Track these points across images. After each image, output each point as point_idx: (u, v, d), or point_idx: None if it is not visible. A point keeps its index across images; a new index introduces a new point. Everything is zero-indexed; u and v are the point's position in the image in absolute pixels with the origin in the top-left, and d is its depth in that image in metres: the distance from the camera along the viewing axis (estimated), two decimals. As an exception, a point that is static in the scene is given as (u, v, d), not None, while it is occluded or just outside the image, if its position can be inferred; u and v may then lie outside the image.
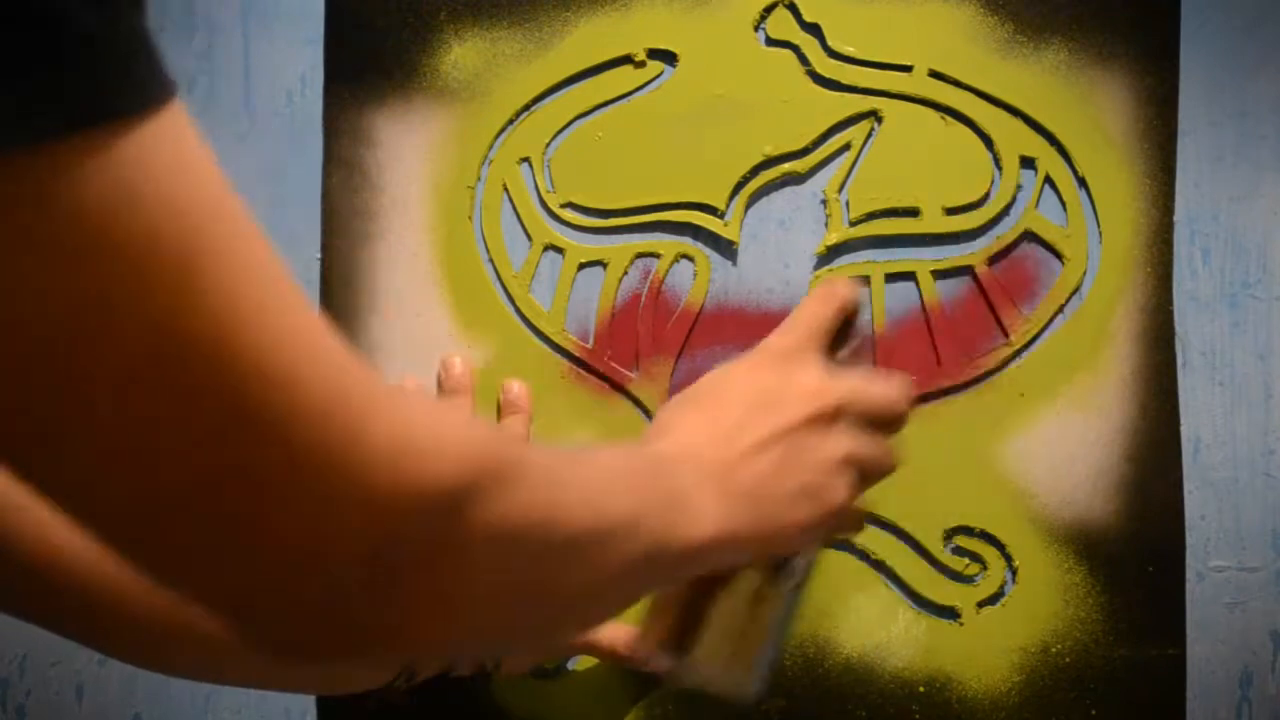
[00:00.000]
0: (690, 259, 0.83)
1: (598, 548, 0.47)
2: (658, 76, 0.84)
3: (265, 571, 0.37)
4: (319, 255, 0.83)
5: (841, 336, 0.65)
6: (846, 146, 0.84)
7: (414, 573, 0.40)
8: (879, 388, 0.63)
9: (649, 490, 0.52)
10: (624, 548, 0.49)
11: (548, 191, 0.83)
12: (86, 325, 0.32)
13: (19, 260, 0.31)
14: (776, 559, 0.63)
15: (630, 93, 0.84)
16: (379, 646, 0.42)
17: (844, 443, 0.60)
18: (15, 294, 0.31)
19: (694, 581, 0.60)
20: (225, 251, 0.34)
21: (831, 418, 0.60)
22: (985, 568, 0.82)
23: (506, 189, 0.83)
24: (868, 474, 0.61)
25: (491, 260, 0.83)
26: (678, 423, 0.59)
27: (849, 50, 0.84)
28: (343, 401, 0.36)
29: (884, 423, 0.63)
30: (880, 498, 0.82)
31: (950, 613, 0.82)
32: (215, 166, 0.35)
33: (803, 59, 0.84)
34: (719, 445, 0.57)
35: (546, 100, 0.83)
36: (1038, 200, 0.83)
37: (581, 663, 0.81)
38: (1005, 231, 0.83)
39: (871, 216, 0.83)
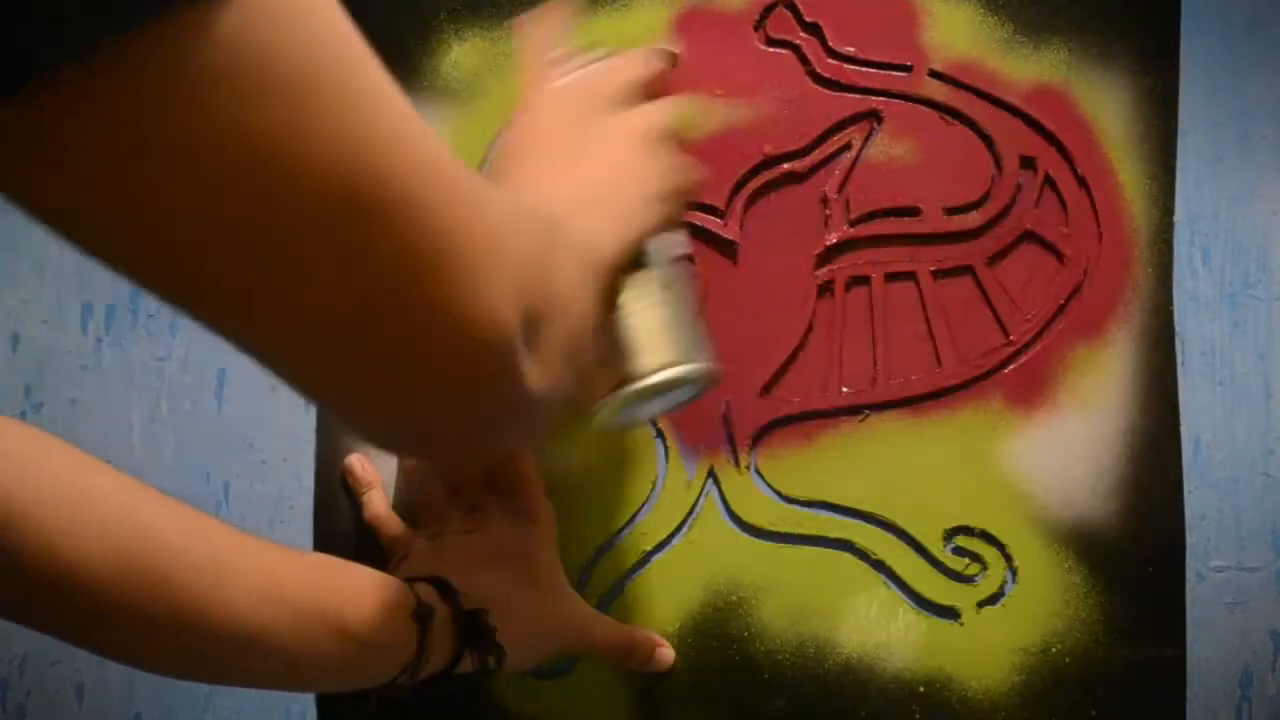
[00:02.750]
0: (690, 259, 0.83)
1: (595, 273, 0.55)
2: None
3: (446, 354, 0.41)
4: (319, 255, 0.83)
5: (569, 57, 0.69)
6: (847, 146, 0.84)
7: (544, 325, 0.46)
8: (627, 63, 0.68)
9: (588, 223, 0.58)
10: (602, 274, 0.56)
11: (548, 191, 0.83)
12: (267, 161, 0.34)
13: (197, 110, 0.33)
14: (649, 249, 0.66)
15: (630, 93, 0.83)
16: (537, 407, 0.47)
17: (638, 118, 0.65)
18: (197, 145, 0.33)
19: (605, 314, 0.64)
20: (367, 76, 0.37)
21: (607, 105, 0.65)
22: (985, 568, 0.82)
23: (506, 189, 0.83)
24: (664, 132, 0.66)
25: (491, 260, 0.83)
26: (526, 180, 0.63)
27: (849, 50, 0.84)
28: (470, 185, 0.41)
29: (649, 91, 0.68)
30: (880, 498, 0.82)
31: (950, 613, 0.82)
32: (347, 16, 0.38)
33: (803, 59, 0.84)
34: (555, 181, 0.61)
35: (546, 100, 0.83)
36: (1038, 200, 0.83)
37: (581, 663, 0.81)
38: (1005, 231, 0.83)
39: (871, 216, 0.83)
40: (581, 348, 0.53)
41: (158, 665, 0.66)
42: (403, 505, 0.81)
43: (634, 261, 0.64)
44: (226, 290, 0.36)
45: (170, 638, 0.62)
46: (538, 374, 0.46)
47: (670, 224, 0.67)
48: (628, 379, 0.65)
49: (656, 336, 0.65)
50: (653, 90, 0.68)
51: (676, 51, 0.69)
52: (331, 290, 0.38)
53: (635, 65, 0.68)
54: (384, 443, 0.45)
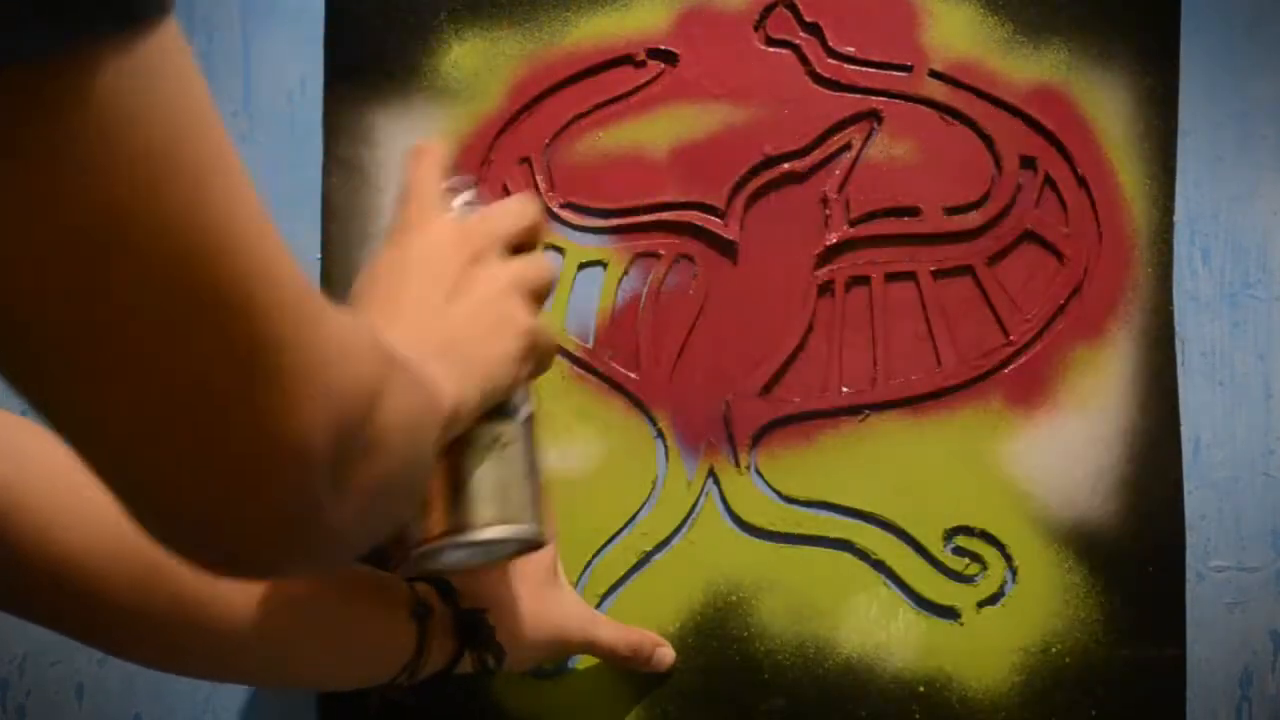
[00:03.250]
0: (690, 259, 0.83)
1: (433, 420, 0.53)
2: (658, 76, 0.84)
3: (241, 467, 0.39)
4: (319, 255, 0.83)
5: (453, 190, 0.68)
6: (847, 146, 0.84)
7: (358, 461, 0.44)
8: (504, 210, 0.67)
9: (424, 380, 0.56)
10: (427, 437, 0.53)
11: (548, 191, 0.83)
12: (105, 232, 0.33)
13: (45, 167, 0.32)
14: (500, 405, 0.65)
15: (630, 93, 0.84)
16: (332, 542, 0.45)
17: (504, 272, 0.63)
18: (36, 202, 0.32)
19: (439, 461, 0.62)
20: (225, 158, 0.37)
21: (482, 254, 0.63)
22: (985, 568, 0.82)
23: (507, 189, 0.83)
24: (535, 290, 0.65)
25: (491, 260, 0.83)
26: (384, 315, 0.62)
27: (849, 50, 0.84)
28: (310, 299, 0.40)
29: (527, 242, 0.67)
30: (880, 498, 0.82)
31: (950, 613, 0.82)
32: (203, 80, 0.37)
33: (803, 59, 0.84)
34: (408, 323, 0.60)
35: (546, 100, 0.83)
36: (1038, 200, 0.83)
37: (581, 662, 0.81)
38: (1005, 231, 0.83)
39: (871, 216, 0.83)
40: (401, 489, 0.51)
41: (158, 660, 0.66)
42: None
43: (484, 414, 0.64)
44: (32, 342, 0.35)
45: (167, 630, 0.62)
46: (340, 508, 0.44)
47: (524, 381, 0.66)
48: (451, 529, 0.64)
49: (486, 491, 0.64)
50: (530, 238, 0.67)
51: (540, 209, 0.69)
52: (142, 368, 0.36)
53: (517, 213, 0.67)
54: (166, 542, 0.43)
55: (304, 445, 0.40)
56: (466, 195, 0.69)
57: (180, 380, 0.37)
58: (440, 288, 0.61)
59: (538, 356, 0.65)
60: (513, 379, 0.63)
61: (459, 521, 0.64)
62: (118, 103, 0.32)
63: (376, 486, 0.46)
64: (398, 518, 0.57)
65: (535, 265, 0.66)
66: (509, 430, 0.65)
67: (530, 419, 0.67)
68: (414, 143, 0.69)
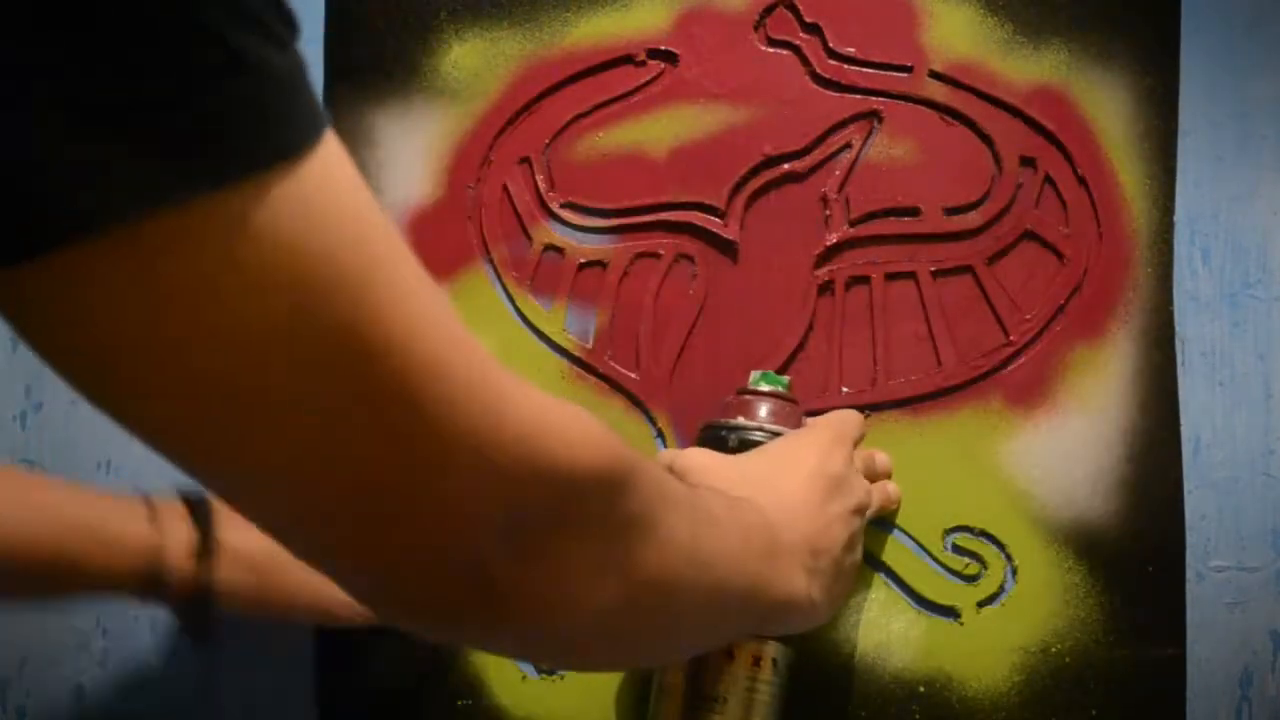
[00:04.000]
0: (690, 259, 0.83)
1: (698, 569, 0.53)
2: (658, 76, 0.84)
3: (419, 545, 0.42)
4: (319, 255, 0.83)
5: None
6: (847, 146, 0.84)
7: (544, 545, 0.45)
8: (887, 491, 0.77)
9: (753, 536, 0.58)
10: (722, 577, 0.55)
11: (548, 191, 0.83)
12: (277, 343, 0.35)
13: (221, 287, 0.34)
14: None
15: (630, 93, 0.84)
16: (516, 617, 0.46)
17: (860, 487, 0.70)
18: (217, 318, 0.34)
19: (694, 665, 0.66)
20: (389, 262, 0.38)
21: (863, 510, 0.70)
22: (985, 568, 0.82)
23: (507, 189, 0.83)
24: (865, 517, 0.73)
25: (491, 260, 0.83)
26: (775, 480, 0.65)
27: (849, 51, 0.84)
28: (484, 387, 0.41)
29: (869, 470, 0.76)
30: (880, 498, 0.82)
31: (950, 613, 0.82)
32: (364, 182, 0.38)
33: (803, 59, 0.84)
34: (803, 518, 0.64)
35: (546, 100, 0.83)
36: (1038, 200, 0.83)
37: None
38: (1005, 231, 0.83)
39: (871, 216, 0.83)
40: (647, 595, 0.51)
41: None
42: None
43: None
44: (210, 442, 0.37)
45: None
46: (526, 578, 0.45)
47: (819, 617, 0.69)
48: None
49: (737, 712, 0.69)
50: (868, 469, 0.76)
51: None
52: (309, 464, 0.38)
53: (858, 421, 0.75)
54: (356, 595, 0.47)
55: (468, 523, 0.42)
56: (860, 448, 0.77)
57: (345, 474, 0.39)
58: (839, 509, 0.67)
59: (842, 593, 0.71)
60: (833, 616, 0.69)
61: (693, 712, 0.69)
62: (279, 227, 0.34)
63: (579, 576, 0.47)
64: (622, 636, 0.54)
65: (882, 493, 0.75)
66: (783, 654, 0.71)
67: (793, 662, 0.73)
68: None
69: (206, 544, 0.71)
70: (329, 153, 0.36)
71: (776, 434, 0.74)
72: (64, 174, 0.31)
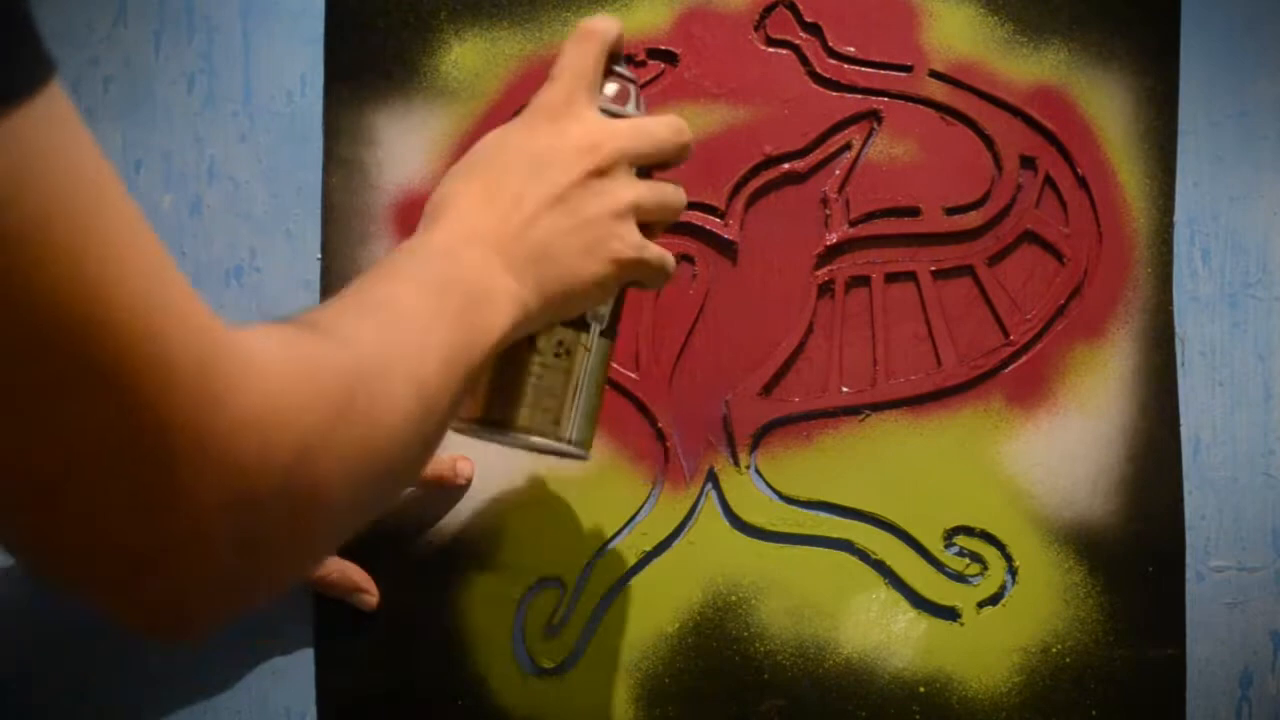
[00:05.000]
0: (690, 259, 0.83)
1: (424, 406, 0.50)
2: (658, 76, 0.84)
3: (146, 537, 0.38)
4: (319, 255, 0.83)
5: (608, 77, 0.66)
6: (847, 146, 0.84)
7: (278, 526, 0.42)
8: (653, 129, 0.63)
9: (454, 311, 0.54)
10: (443, 382, 0.51)
11: (548, 191, 0.83)
12: None
13: None
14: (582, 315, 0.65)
15: (630, 93, 0.83)
16: (250, 591, 0.44)
17: (624, 193, 0.61)
18: None
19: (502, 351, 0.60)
20: (110, 230, 0.35)
21: (608, 169, 0.60)
22: (985, 568, 0.82)
23: (506, 189, 0.83)
24: (655, 218, 0.62)
25: (491, 260, 0.83)
26: (457, 198, 0.59)
27: (849, 50, 0.84)
28: (210, 373, 0.38)
29: (664, 163, 0.64)
30: (880, 498, 0.82)
31: (950, 613, 0.82)
32: (94, 144, 0.35)
33: (803, 59, 0.84)
34: (500, 217, 0.58)
35: (546, 100, 0.83)
36: (1038, 200, 0.83)
37: (582, 663, 0.81)
38: (1005, 231, 0.83)
39: (871, 216, 0.83)
40: (354, 512, 0.49)
41: None
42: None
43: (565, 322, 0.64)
44: None
45: None
46: (255, 563, 0.42)
47: (608, 297, 0.65)
48: (479, 418, 0.66)
49: (524, 393, 0.65)
50: (671, 160, 0.66)
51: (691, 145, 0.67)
52: (25, 437, 0.35)
53: (664, 134, 0.64)
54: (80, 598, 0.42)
55: (196, 525, 0.39)
56: (617, 90, 0.66)
57: (60, 453, 0.36)
58: (550, 192, 0.59)
59: (642, 278, 0.63)
60: (595, 301, 0.61)
61: (487, 414, 0.65)
62: None
63: (319, 526, 0.45)
64: (357, 525, 0.53)
65: (662, 193, 0.63)
66: (572, 339, 0.65)
67: (605, 333, 0.67)
68: (584, 25, 0.64)
69: None
70: (47, 106, 0.33)
71: (615, 114, 0.67)
72: None
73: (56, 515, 0.37)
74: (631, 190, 0.61)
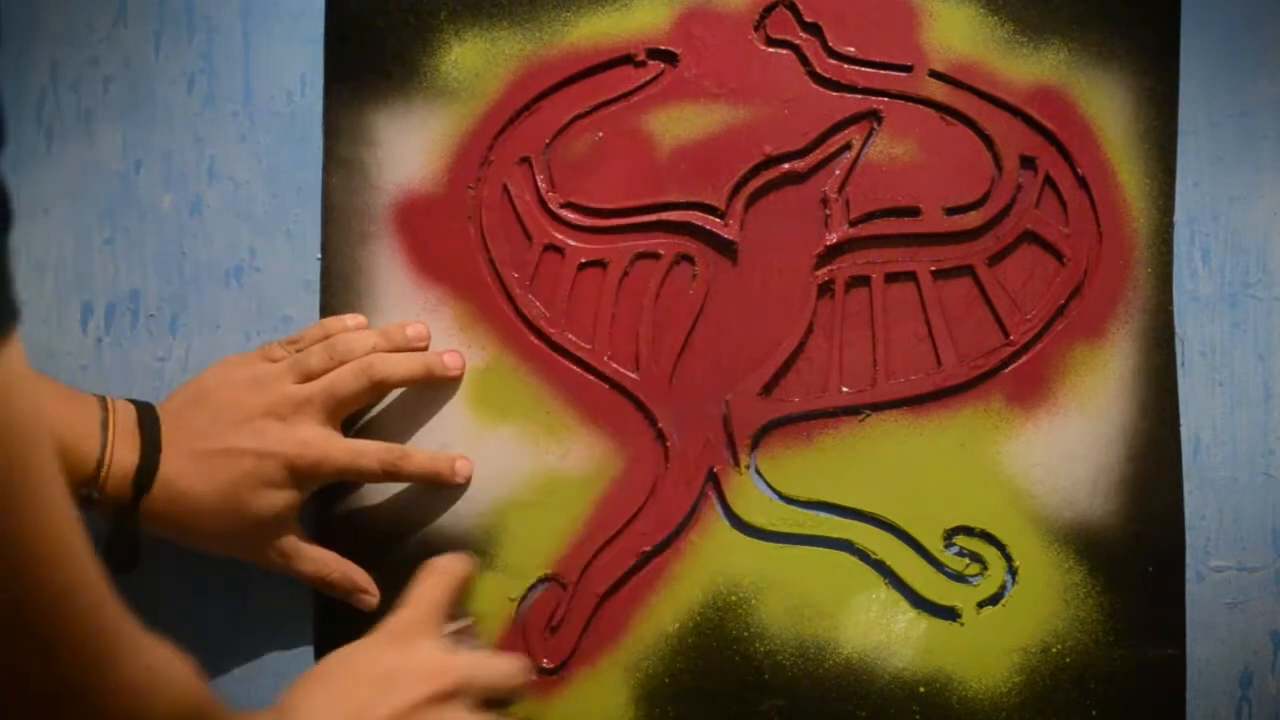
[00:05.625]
0: (690, 259, 0.83)
1: None
2: (658, 76, 0.84)
3: None
4: (319, 255, 0.83)
5: (452, 611, 0.71)
6: (847, 146, 0.84)
7: None
8: (494, 666, 0.69)
9: None
10: None
11: (548, 192, 0.83)
12: None
13: None
14: None
15: (630, 93, 0.84)
16: None
17: (458, 718, 0.65)
18: None
19: None
20: (37, 482, 0.36)
21: (449, 695, 0.65)
22: (985, 568, 0.82)
23: (507, 189, 0.83)
24: None
25: (491, 260, 0.83)
26: (305, 706, 0.62)
27: (849, 50, 0.84)
28: (96, 637, 0.40)
29: (499, 698, 0.69)
30: (880, 498, 0.82)
31: (950, 613, 0.82)
32: (32, 394, 0.37)
33: (803, 59, 0.84)
34: None
35: (546, 100, 0.83)
36: (1038, 200, 0.83)
37: (582, 663, 0.81)
38: (1005, 231, 0.83)
39: (871, 216, 0.83)
40: None
41: None
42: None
43: None
44: None
45: None
46: None
47: None
48: None
49: None
50: (505, 697, 0.70)
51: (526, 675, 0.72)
52: None
53: (504, 674, 0.69)
54: None
55: None
56: (462, 621, 0.71)
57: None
58: (389, 708, 0.62)
59: None
60: None
61: None
62: None
63: None
64: None
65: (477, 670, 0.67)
66: None
67: None
68: (437, 562, 0.72)
69: (147, 470, 0.71)
70: (13, 350, 0.35)
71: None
72: None
73: None
74: (468, 717, 0.66)
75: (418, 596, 0.70)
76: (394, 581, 0.80)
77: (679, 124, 0.83)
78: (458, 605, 0.72)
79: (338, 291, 0.83)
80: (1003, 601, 0.82)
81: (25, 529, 0.36)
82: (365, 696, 0.62)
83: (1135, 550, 0.82)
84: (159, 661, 0.45)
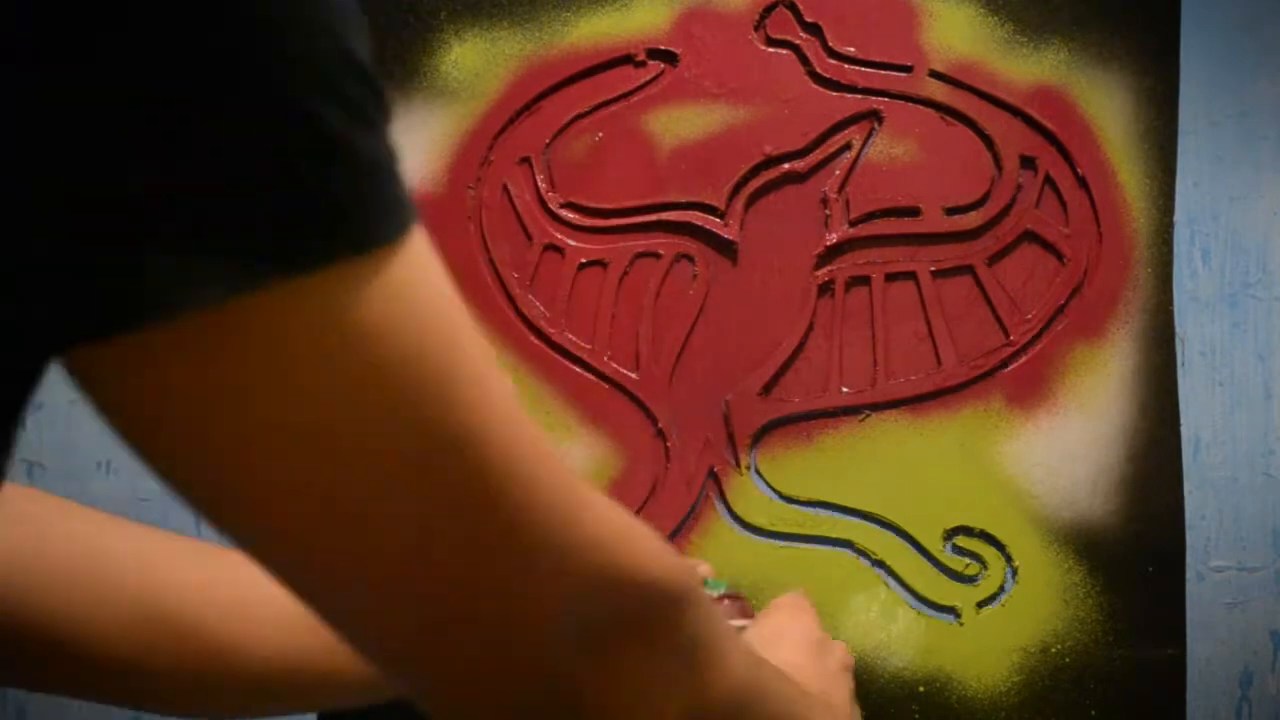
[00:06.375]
0: (690, 259, 0.83)
1: (756, 703, 0.53)
2: (658, 76, 0.84)
3: (497, 652, 0.41)
4: (319, 255, 0.83)
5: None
6: (847, 146, 0.84)
7: (620, 655, 0.44)
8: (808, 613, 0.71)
9: (790, 689, 0.58)
10: (774, 714, 0.55)
11: (548, 192, 0.83)
12: (364, 440, 0.34)
13: (309, 379, 0.33)
14: None
15: (630, 93, 0.84)
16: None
17: (840, 653, 0.67)
18: (297, 411, 0.33)
19: None
20: (474, 363, 0.37)
21: (848, 665, 0.68)
22: (985, 568, 0.82)
23: (507, 189, 0.83)
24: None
25: (491, 260, 0.83)
26: (777, 657, 0.64)
27: (849, 50, 0.84)
28: (564, 494, 0.40)
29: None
30: (880, 498, 0.82)
31: (950, 613, 0.82)
32: (449, 279, 0.38)
33: (803, 59, 0.84)
34: (814, 680, 0.63)
35: (546, 100, 0.83)
36: (1038, 200, 0.83)
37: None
38: (1005, 231, 0.83)
39: (871, 216, 0.83)
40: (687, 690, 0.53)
41: (190, 709, 0.65)
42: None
43: None
44: (292, 541, 0.37)
45: (202, 682, 0.62)
46: (606, 686, 0.45)
47: None
48: None
49: None
50: None
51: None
52: (391, 565, 0.38)
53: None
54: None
55: (547, 635, 0.41)
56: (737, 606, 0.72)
57: (422, 579, 0.38)
58: (809, 649, 0.65)
59: None
60: None
61: None
62: (363, 319, 0.33)
63: (652, 689, 0.46)
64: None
65: (847, 653, 0.69)
66: None
67: None
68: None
69: None
70: (418, 246, 0.35)
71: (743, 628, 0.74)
72: (154, 254, 0.30)
73: (435, 636, 0.39)
74: (845, 652, 0.68)
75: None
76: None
77: (679, 124, 0.83)
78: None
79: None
80: (1002, 601, 0.82)
81: (486, 418, 0.37)
82: (792, 648, 0.65)
83: (1135, 550, 0.82)
84: (623, 516, 0.45)
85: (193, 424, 0.33)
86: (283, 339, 0.33)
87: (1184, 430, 0.83)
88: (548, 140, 0.83)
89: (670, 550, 0.46)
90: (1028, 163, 0.83)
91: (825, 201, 0.83)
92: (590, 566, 0.42)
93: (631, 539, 0.44)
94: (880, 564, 0.82)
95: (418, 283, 0.35)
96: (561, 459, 0.40)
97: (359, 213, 0.33)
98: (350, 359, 0.34)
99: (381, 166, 0.34)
